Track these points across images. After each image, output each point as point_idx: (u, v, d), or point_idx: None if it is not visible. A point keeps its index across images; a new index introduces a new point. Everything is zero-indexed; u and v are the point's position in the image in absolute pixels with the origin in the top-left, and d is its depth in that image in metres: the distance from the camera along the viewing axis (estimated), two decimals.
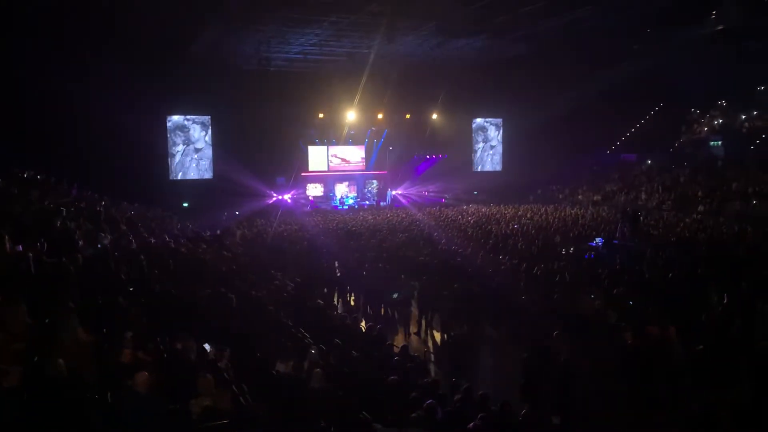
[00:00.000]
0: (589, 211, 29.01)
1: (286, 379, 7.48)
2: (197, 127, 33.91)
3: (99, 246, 11.16)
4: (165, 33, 23.97)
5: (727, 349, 8.81)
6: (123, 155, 26.06)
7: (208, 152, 34.17)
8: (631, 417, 8.59)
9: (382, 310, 14.03)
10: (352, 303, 15.53)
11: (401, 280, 14.45)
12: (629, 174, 37.73)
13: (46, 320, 6.50)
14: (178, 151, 33.58)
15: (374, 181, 40.43)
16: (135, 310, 7.99)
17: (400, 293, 13.78)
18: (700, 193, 30.03)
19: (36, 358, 5.61)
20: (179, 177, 33.59)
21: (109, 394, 5.46)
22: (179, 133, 33.63)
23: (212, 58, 28.84)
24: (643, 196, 32.89)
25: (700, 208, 28.03)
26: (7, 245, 8.51)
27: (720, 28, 27.35)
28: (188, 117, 33.69)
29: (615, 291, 12.14)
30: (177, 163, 33.64)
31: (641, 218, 21.64)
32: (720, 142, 37.77)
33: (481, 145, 42.92)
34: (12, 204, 12.32)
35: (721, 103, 40.39)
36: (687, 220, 23.84)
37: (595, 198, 35.10)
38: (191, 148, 33.87)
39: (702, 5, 24.67)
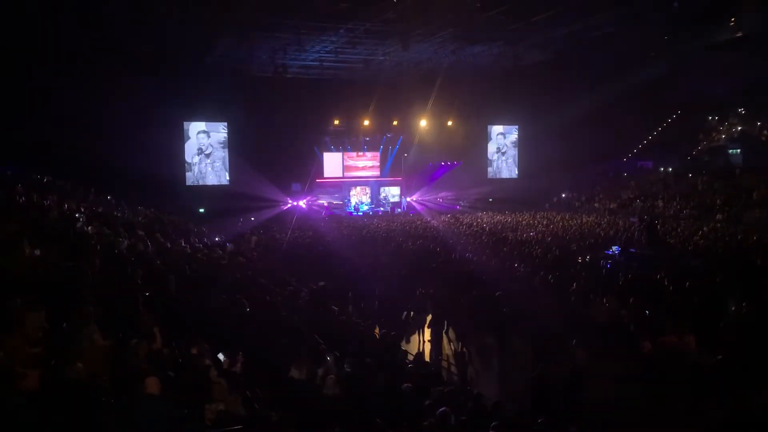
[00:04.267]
0: (606, 219, 28.78)
1: (300, 385, 7.48)
2: (214, 134, 34.16)
3: (116, 251, 11.27)
4: (183, 42, 24.25)
5: (746, 358, 8.70)
6: (140, 161, 26.28)
7: (225, 159, 34.39)
8: (649, 426, 8.49)
9: (397, 317, 13.99)
10: (367, 310, 15.49)
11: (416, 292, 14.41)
12: (646, 181, 37.40)
13: (64, 325, 6.56)
14: (194, 157, 33.84)
15: (396, 188, 40.42)
16: (151, 315, 8.04)
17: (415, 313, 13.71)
18: (718, 201, 29.69)
19: (53, 362, 5.67)
20: (196, 183, 33.83)
21: (124, 399, 5.50)
22: (196, 139, 33.89)
23: (229, 66, 29.09)
24: (661, 203, 32.57)
25: (719, 216, 27.70)
26: (27, 250, 8.62)
27: (739, 34, 27.09)
28: (205, 123, 33.94)
29: (632, 299, 12.03)
30: (194, 170, 33.89)
31: (658, 226, 21.44)
32: (739, 150, 37.34)
33: (496, 152, 42.78)
34: (31, 209, 12.48)
35: (740, 111, 39.96)
36: (705, 228, 23.55)
37: (611, 206, 34.82)
38: (207, 154, 34.10)
39: (720, 12, 24.42)
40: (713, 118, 40.91)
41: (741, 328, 10.08)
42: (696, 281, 13.36)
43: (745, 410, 7.61)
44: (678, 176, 36.47)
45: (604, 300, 12.29)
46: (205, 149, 34.02)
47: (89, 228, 12.33)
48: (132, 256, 11.25)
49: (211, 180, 34.18)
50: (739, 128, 39.27)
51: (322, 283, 14.22)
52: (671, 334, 9.46)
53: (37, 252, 8.95)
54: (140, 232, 14.58)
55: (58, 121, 23.88)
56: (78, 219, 13.14)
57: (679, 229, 23.44)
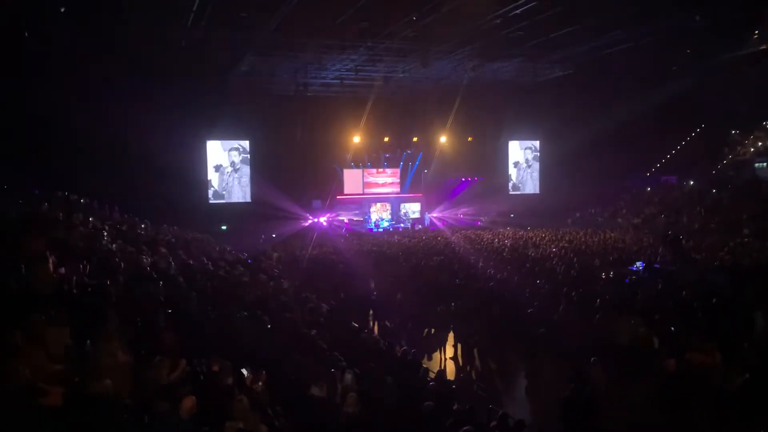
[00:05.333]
0: (629, 235, 28.43)
1: (320, 402, 7.46)
2: (235, 152, 34.54)
3: (139, 268, 11.39)
4: (205, 61, 24.65)
5: None
6: (163, 179, 26.67)
7: (247, 176, 34.72)
8: None
9: (418, 334, 13.93)
10: (388, 326, 15.45)
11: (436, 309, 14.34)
12: (670, 196, 36.92)
13: (87, 342, 6.63)
14: (216, 175, 34.23)
15: (417, 204, 40.45)
16: (173, 332, 8.10)
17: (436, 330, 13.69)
18: (744, 216, 29.17)
19: (77, 379, 5.72)
20: (218, 200, 34.18)
21: (146, 416, 5.52)
22: (218, 157, 34.30)
23: (250, 84, 29.48)
24: (685, 219, 32.09)
25: (746, 230, 27.20)
26: (52, 267, 8.75)
27: (763, 47, 26.79)
28: (227, 142, 34.36)
29: (657, 316, 11.82)
30: (216, 187, 34.26)
31: (683, 242, 21.12)
32: (765, 164, 36.72)
33: (517, 167, 42.59)
34: (57, 227, 12.68)
35: (766, 125, 39.37)
36: (731, 243, 23.13)
37: (635, 221, 34.38)
38: (229, 171, 34.47)
39: (744, 25, 24.20)
40: (737, 132, 40.34)
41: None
42: (722, 298, 13.10)
43: None
44: (702, 191, 35.96)
45: (628, 317, 12.10)
46: (227, 167, 34.40)
47: (113, 246, 12.49)
48: (154, 273, 11.36)
49: (234, 197, 34.50)
50: (766, 142, 38.65)
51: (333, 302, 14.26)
52: (697, 352, 9.26)
53: (62, 269, 9.08)
54: (163, 250, 14.73)
55: (82, 140, 24.34)
56: (102, 237, 13.32)
57: (704, 245, 23.07)
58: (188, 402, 5.71)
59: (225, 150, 34.34)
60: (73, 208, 16.97)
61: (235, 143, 34.30)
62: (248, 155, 34.57)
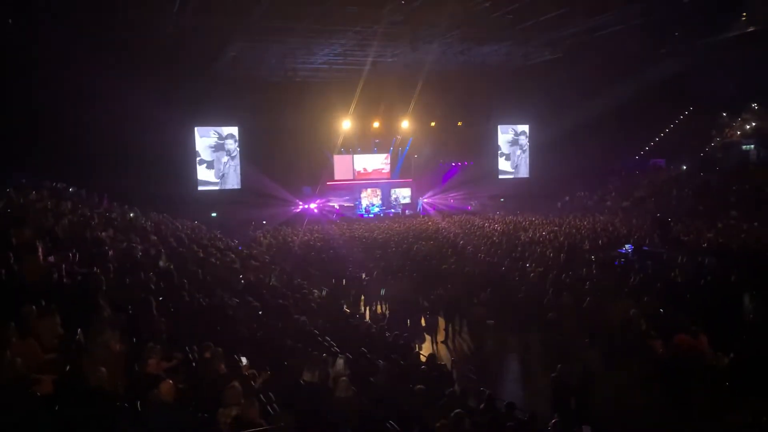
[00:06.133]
0: (618, 218, 28.59)
1: (312, 388, 7.50)
2: (223, 138, 34.35)
3: (129, 256, 11.35)
4: (193, 47, 24.40)
5: (763, 358, 8.60)
6: (152, 167, 26.56)
7: (236, 162, 34.56)
8: (664, 428, 8.43)
9: (410, 318, 14.00)
10: (379, 311, 15.53)
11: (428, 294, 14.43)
12: (659, 179, 37.13)
13: (79, 330, 6.63)
14: (205, 162, 34.04)
15: (407, 189, 40.46)
16: (165, 321, 8.10)
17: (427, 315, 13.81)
18: (732, 199, 29.40)
19: (68, 368, 5.72)
20: (207, 188, 34.03)
21: (138, 403, 5.54)
22: (206, 143, 34.11)
23: (238, 70, 29.23)
24: (674, 201, 32.31)
25: (733, 213, 27.43)
26: (41, 256, 8.70)
27: (751, 29, 26.82)
28: (216, 128, 34.15)
29: (645, 298, 11.94)
30: (205, 174, 34.09)
31: (671, 224, 21.28)
32: (752, 146, 36.97)
33: (507, 151, 42.66)
34: (45, 216, 12.60)
35: (754, 106, 39.57)
36: (719, 225, 23.34)
37: (624, 204, 34.57)
38: (218, 158, 34.29)
39: (732, 7, 24.22)
40: (726, 115, 40.54)
41: (756, 327, 9.98)
42: (710, 279, 13.25)
43: (762, 413, 7.51)
44: (691, 173, 36.17)
45: (618, 299, 12.21)
46: (213, 152, 34.21)
47: (103, 234, 12.43)
48: (145, 261, 11.33)
49: (223, 184, 34.37)
50: (753, 124, 38.87)
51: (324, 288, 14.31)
52: (685, 334, 9.38)
53: (52, 258, 9.04)
54: (153, 237, 14.69)
55: (70, 129, 24.14)
56: (92, 225, 13.26)
57: (692, 227, 23.26)
58: (165, 386, 5.73)
59: (212, 136, 34.13)
60: (62, 197, 16.87)
61: (219, 129, 34.10)
62: (236, 141, 34.41)
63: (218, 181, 34.31)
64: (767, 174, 31.21)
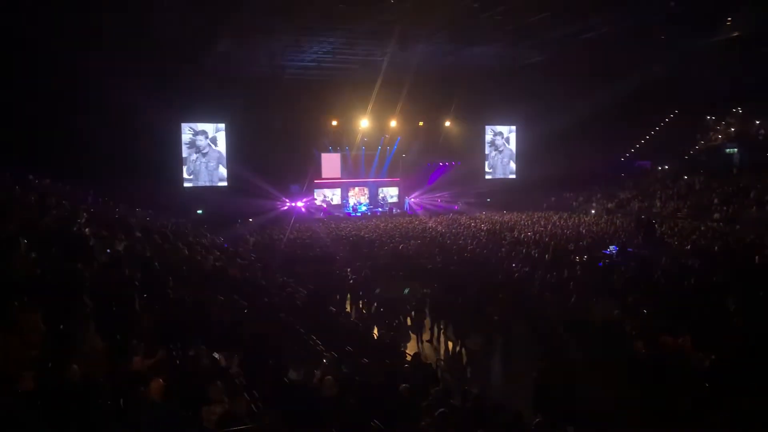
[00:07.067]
0: (604, 219, 28.81)
1: (298, 386, 7.48)
2: (210, 134, 34.15)
3: (114, 252, 11.25)
4: (180, 43, 24.24)
5: (745, 359, 8.70)
6: (138, 163, 26.33)
7: (222, 159, 34.39)
8: (647, 428, 8.49)
9: (394, 318, 14.01)
10: (365, 310, 15.52)
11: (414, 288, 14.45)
12: (644, 181, 37.46)
13: (61, 326, 6.56)
14: (192, 159, 33.84)
15: (395, 188, 40.47)
16: (148, 317, 8.04)
17: (410, 292, 13.85)
18: (715, 201, 29.74)
19: (50, 364, 5.66)
20: (193, 185, 33.83)
21: (121, 401, 5.50)
22: (192, 140, 33.89)
23: (227, 66, 29.10)
24: (658, 203, 32.61)
25: (716, 215, 27.76)
26: (24, 251, 8.59)
27: (736, 34, 27.13)
28: (203, 125, 33.94)
29: (629, 299, 12.03)
30: (191, 170, 33.89)
31: (656, 226, 21.47)
32: (736, 149, 37.42)
33: (494, 152, 42.85)
34: (29, 211, 12.44)
35: (737, 110, 40.05)
36: (702, 227, 23.60)
37: (609, 205, 34.85)
38: (205, 155, 34.09)
39: (717, 12, 24.49)
40: (711, 118, 41.00)
41: (739, 328, 10.09)
42: (693, 280, 13.38)
43: (744, 413, 7.60)
44: (675, 176, 36.54)
45: (602, 300, 12.30)
46: (203, 149, 34.00)
47: (87, 230, 12.31)
48: (130, 257, 11.23)
49: (209, 181, 34.16)
50: (737, 128, 39.35)
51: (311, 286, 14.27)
52: (668, 335, 9.46)
53: (34, 254, 8.93)
54: (138, 234, 14.57)
55: (58, 124, 23.89)
56: (76, 221, 13.12)
57: (676, 229, 23.49)
58: (156, 384, 5.69)
59: (199, 132, 33.91)
60: (46, 192, 16.68)
61: (207, 126, 33.90)
62: (223, 137, 34.24)
63: (191, 177, 34.06)
64: (749, 177, 31.60)
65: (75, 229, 11.73)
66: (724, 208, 28.35)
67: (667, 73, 32.48)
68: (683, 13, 23.05)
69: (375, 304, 14.96)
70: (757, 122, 38.67)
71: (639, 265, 16.20)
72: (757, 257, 15.98)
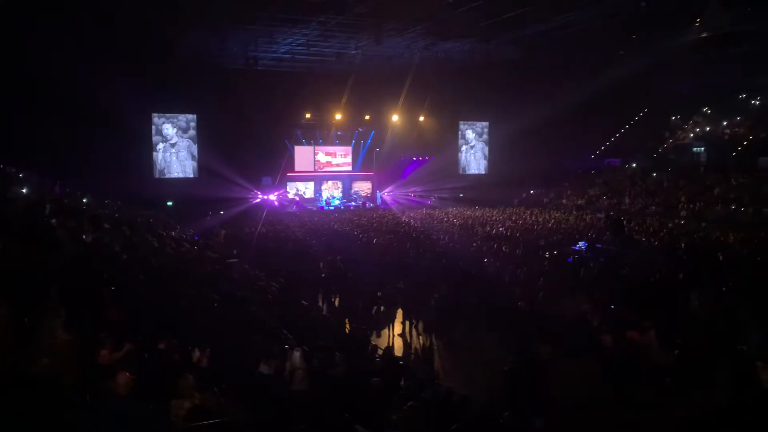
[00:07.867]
0: (573, 215, 29.19)
1: (268, 380, 7.46)
2: (182, 125, 33.71)
3: (81, 244, 11.06)
4: (151, 31, 23.83)
5: (708, 353, 8.92)
6: (107, 153, 25.86)
7: (194, 150, 33.98)
8: (614, 420, 8.67)
9: (367, 312, 14.03)
10: (337, 304, 15.51)
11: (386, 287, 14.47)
12: (613, 178, 38.04)
13: (26, 319, 6.44)
14: (162, 150, 33.37)
15: (368, 183, 40.46)
16: (116, 310, 7.93)
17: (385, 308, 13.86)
18: (683, 198, 30.35)
19: (15, 358, 5.56)
20: (163, 176, 33.38)
21: (88, 395, 5.42)
22: (163, 130, 33.41)
23: (198, 57, 28.71)
24: (627, 200, 33.16)
25: (683, 212, 28.34)
26: None
27: (704, 35, 27.65)
28: (174, 115, 33.48)
29: (597, 294, 12.24)
30: (161, 162, 33.43)
31: (624, 223, 21.83)
32: (703, 148, 38.24)
33: (466, 147, 43.11)
34: None
35: (705, 110, 40.92)
36: (670, 224, 24.07)
37: (579, 202, 35.32)
38: (176, 146, 33.64)
39: (687, 12, 24.91)
40: (678, 117, 41.82)
41: (702, 324, 10.34)
42: (659, 276, 13.66)
43: (706, 407, 7.80)
44: (644, 173, 37.19)
45: (571, 295, 12.48)
46: (173, 140, 33.54)
47: (54, 221, 12.08)
48: (98, 249, 11.05)
49: (179, 172, 33.74)
50: (704, 127, 40.21)
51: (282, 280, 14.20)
52: (634, 330, 9.66)
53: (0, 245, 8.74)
54: (106, 225, 14.34)
55: (25, 113, 23.35)
56: (43, 211, 12.87)
57: (644, 225, 23.91)
58: (123, 377, 5.63)
59: (169, 123, 33.45)
60: (11, 182, 16.33)
61: (178, 117, 33.45)
62: (194, 129, 33.83)
63: (161, 168, 33.64)
64: (715, 176, 32.32)
65: (42, 220, 11.52)
66: (691, 205, 28.95)
67: (639, 72, 32.97)
68: (653, 14, 23.39)
69: (347, 298, 14.98)
70: (724, 123, 39.59)
71: (607, 261, 16.47)
72: (720, 254, 16.36)
